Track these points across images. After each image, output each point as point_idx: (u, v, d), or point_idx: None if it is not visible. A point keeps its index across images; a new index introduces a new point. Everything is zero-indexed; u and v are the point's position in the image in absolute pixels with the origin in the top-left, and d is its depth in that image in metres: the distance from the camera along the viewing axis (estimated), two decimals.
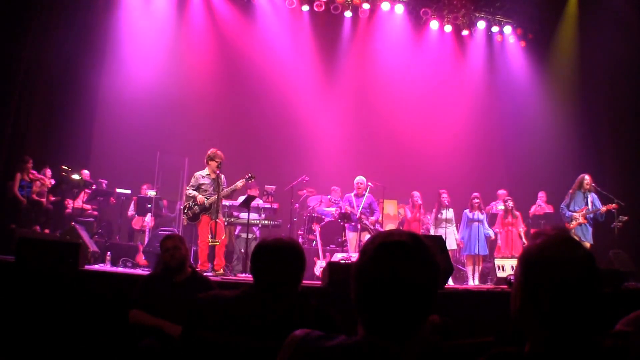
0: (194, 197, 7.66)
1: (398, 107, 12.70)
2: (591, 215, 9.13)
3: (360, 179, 9.48)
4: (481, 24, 12.83)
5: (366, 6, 12.16)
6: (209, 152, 7.90)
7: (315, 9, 12.04)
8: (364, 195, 9.31)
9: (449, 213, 9.80)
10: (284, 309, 2.13)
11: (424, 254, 1.35)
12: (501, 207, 10.17)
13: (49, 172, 9.18)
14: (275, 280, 2.20)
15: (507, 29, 12.99)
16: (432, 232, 9.75)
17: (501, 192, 10.78)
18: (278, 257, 2.22)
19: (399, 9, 12.40)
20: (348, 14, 12.34)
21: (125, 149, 10.94)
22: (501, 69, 13.22)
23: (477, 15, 12.77)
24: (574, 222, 9.10)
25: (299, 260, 2.29)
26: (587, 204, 9.12)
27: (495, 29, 12.99)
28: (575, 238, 1.43)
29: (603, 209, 9.01)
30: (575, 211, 9.18)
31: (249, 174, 7.97)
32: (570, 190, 9.29)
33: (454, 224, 9.89)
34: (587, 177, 9.16)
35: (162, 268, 4.29)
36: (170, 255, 4.15)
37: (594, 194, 9.18)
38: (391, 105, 12.71)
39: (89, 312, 5.05)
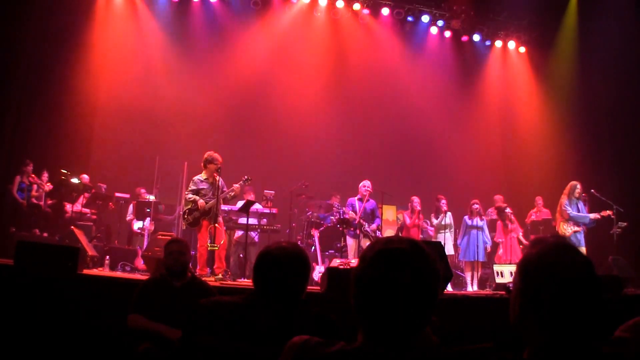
0: (194, 202, 7.64)
1: (397, 113, 12.72)
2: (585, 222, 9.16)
3: (366, 183, 9.42)
4: (480, 30, 12.87)
5: (365, 11, 12.21)
6: (205, 156, 7.84)
7: (316, 14, 12.10)
8: (367, 200, 9.29)
9: (446, 218, 9.83)
10: (284, 316, 2.12)
11: (423, 261, 1.36)
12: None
13: (45, 176, 9.17)
14: (278, 290, 2.16)
15: (507, 35, 13.02)
16: (433, 238, 9.82)
17: (497, 197, 10.78)
18: (283, 267, 2.17)
19: (399, 14, 12.42)
20: (348, 18, 12.37)
21: (124, 153, 10.94)
22: (500, 75, 13.25)
23: (477, 20, 12.80)
24: (570, 230, 9.09)
25: (304, 270, 2.24)
26: (578, 211, 9.15)
27: (494, 35, 13.03)
28: (573, 245, 1.43)
29: (597, 216, 9.02)
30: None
31: (245, 177, 7.96)
32: (567, 198, 9.21)
33: (452, 229, 9.91)
34: (578, 186, 9.17)
35: (162, 272, 4.30)
36: (174, 259, 4.16)
37: (581, 202, 9.21)
38: (390, 110, 12.72)
39: (87, 317, 5.04)
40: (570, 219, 9.11)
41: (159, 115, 11.23)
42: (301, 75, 12.33)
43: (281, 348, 1.50)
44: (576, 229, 9.09)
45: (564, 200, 9.21)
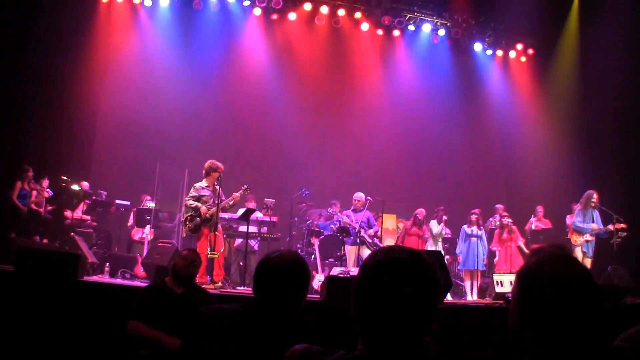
0: (196, 208, 7.65)
1: (398, 121, 12.74)
2: (599, 233, 9.15)
3: (358, 195, 9.53)
4: (482, 39, 12.91)
5: (365, 25, 12.30)
6: (209, 164, 7.87)
7: (317, 22, 12.16)
8: (362, 210, 9.37)
9: (443, 230, 9.93)
10: (284, 324, 2.12)
11: (423, 271, 1.36)
12: (498, 223, 10.19)
13: (46, 182, 9.17)
14: (278, 298, 2.15)
15: (508, 45, 13.06)
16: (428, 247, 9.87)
17: (499, 206, 10.78)
18: (283, 275, 2.16)
19: (400, 23, 12.45)
20: (349, 27, 12.43)
21: (125, 160, 10.95)
22: (501, 84, 13.27)
23: (478, 29, 12.84)
24: (582, 239, 9.08)
25: (304, 278, 2.23)
26: (593, 221, 9.14)
27: (496, 44, 13.06)
28: (573, 255, 1.43)
29: (611, 227, 9.00)
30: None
31: (245, 186, 7.98)
32: (581, 207, 9.22)
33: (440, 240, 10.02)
34: (595, 195, 9.17)
35: (163, 279, 4.31)
36: (185, 264, 4.21)
37: (597, 212, 9.20)
38: (392, 119, 12.74)
39: (87, 323, 5.03)
40: (576, 229, 9.12)
41: (159, 123, 11.23)
42: (302, 83, 12.35)
43: (281, 356, 1.51)
44: (588, 238, 9.08)
45: (577, 208, 9.24)
